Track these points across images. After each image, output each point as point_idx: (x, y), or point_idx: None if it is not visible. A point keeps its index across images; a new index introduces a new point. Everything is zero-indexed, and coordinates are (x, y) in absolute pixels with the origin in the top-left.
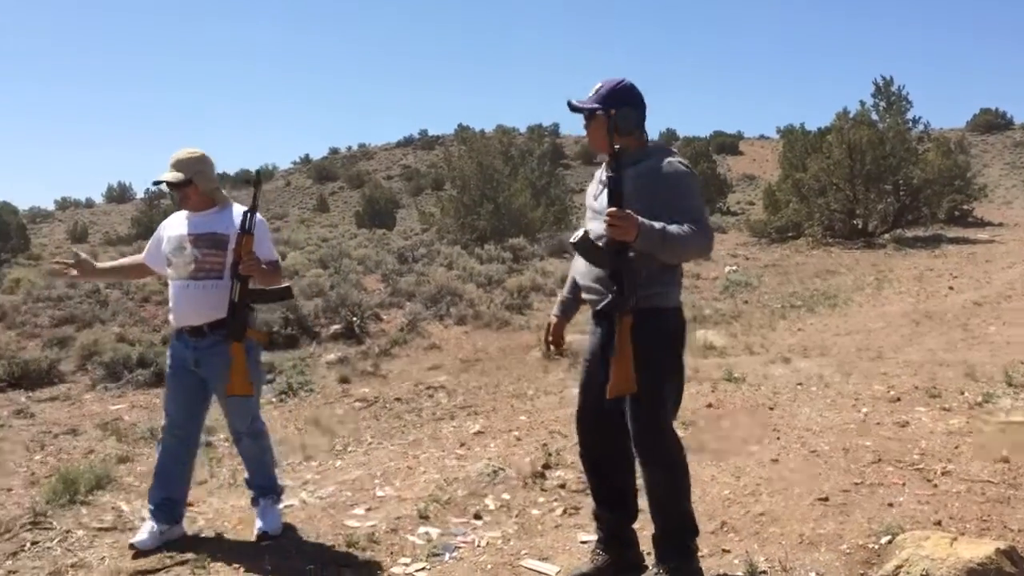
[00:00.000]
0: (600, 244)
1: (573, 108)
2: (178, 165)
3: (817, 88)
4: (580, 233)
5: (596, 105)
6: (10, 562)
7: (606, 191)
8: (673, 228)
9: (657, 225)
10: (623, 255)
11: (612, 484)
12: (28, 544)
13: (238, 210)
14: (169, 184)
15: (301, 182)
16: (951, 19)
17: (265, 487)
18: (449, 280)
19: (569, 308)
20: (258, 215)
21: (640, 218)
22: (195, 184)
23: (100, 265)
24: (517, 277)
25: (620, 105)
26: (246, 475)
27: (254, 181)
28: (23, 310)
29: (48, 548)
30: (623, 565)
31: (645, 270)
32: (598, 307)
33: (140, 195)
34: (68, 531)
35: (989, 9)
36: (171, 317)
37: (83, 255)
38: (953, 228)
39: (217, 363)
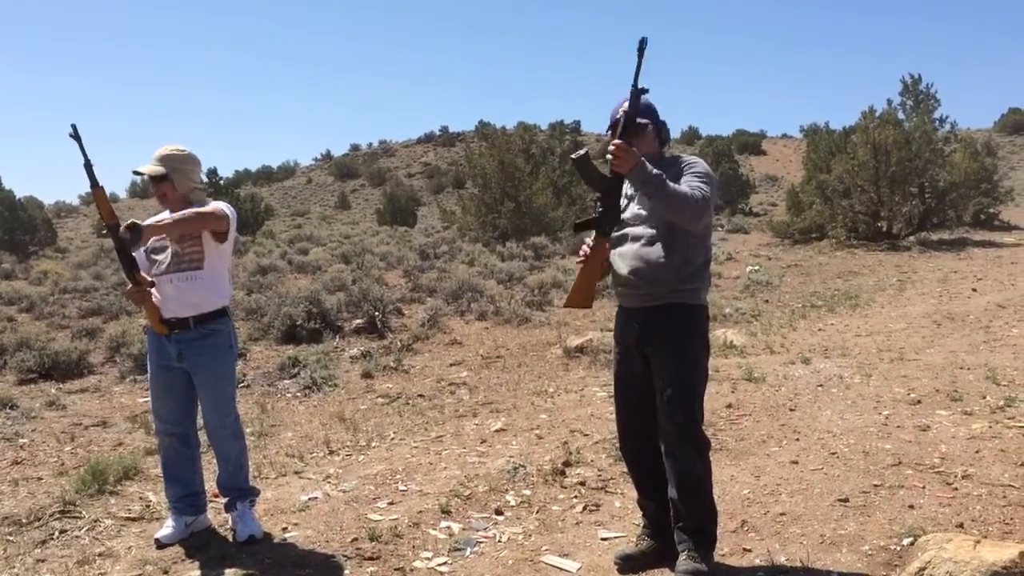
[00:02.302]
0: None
1: (627, 118)
2: (160, 159)
3: (843, 86)
4: (583, 151)
5: (646, 120)
6: (39, 550)
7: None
8: (673, 184)
9: (655, 171)
10: (617, 184)
11: (653, 474)
12: (57, 533)
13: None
14: (148, 177)
15: (322, 179)
16: (979, 15)
17: (242, 489)
18: (470, 276)
19: None
20: (219, 203)
21: (642, 158)
22: (171, 181)
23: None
24: (538, 274)
25: (658, 120)
26: (218, 474)
27: (73, 135)
28: (51, 301)
29: (76, 537)
30: (667, 553)
31: (680, 269)
32: (634, 301)
33: None
34: (96, 520)
35: (1019, 5)
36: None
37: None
38: (979, 231)
39: (201, 356)
